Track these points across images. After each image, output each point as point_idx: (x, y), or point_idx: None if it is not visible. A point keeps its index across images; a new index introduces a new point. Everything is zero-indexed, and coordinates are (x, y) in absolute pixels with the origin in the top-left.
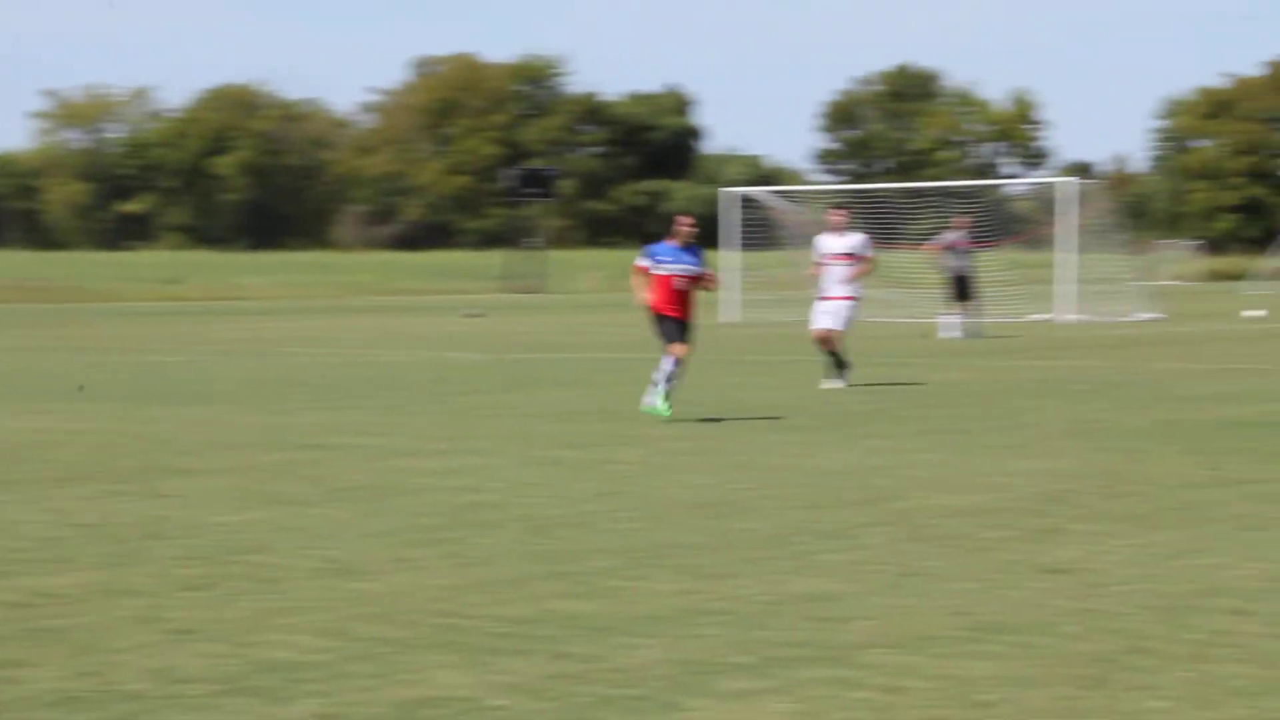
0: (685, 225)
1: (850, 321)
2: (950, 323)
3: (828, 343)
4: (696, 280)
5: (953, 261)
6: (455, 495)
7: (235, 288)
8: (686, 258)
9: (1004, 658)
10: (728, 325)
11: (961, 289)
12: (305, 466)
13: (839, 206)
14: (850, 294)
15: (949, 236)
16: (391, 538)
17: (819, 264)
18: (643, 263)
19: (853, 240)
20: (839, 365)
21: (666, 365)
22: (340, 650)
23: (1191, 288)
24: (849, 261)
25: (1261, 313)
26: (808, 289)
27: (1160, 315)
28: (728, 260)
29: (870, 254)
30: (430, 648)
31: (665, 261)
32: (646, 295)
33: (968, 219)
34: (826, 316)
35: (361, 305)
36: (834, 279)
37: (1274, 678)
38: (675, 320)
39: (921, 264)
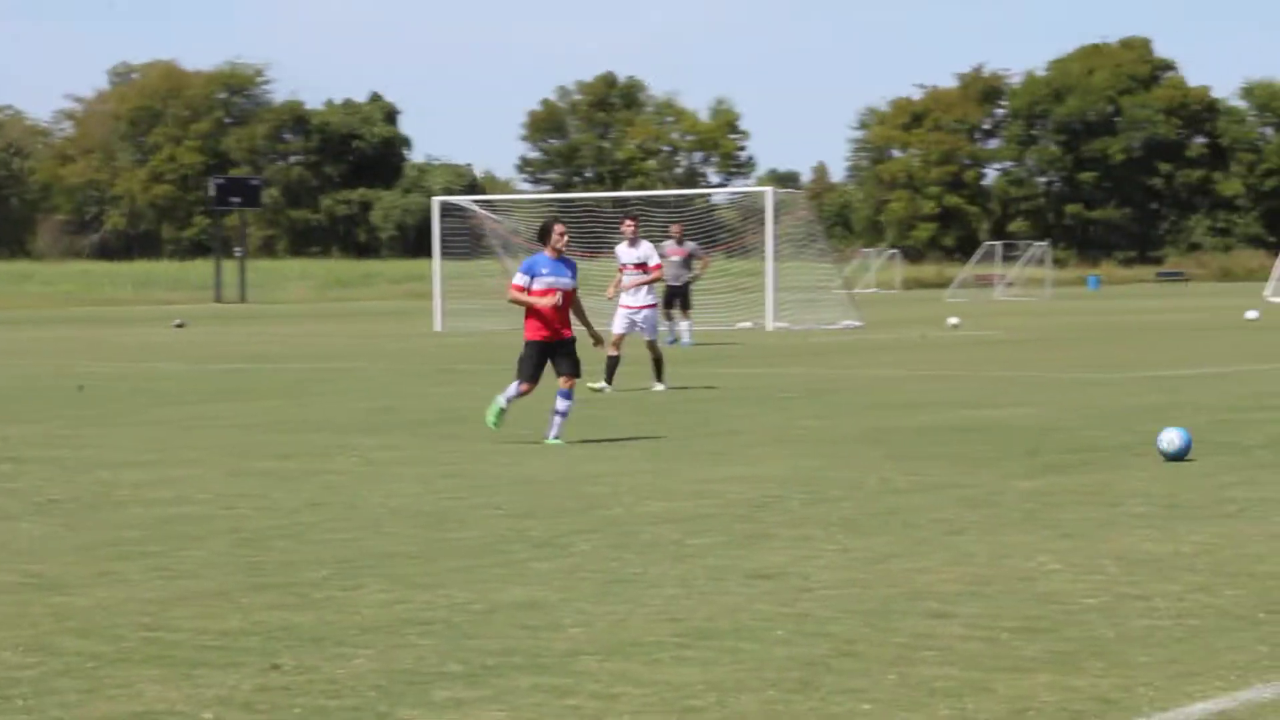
0: (559, 234)
1: (656, 326)
2: (672, 330)
3: (618, 348)
4: (571, 296)
5: (669, 270)
6: (162, 507)
7: None
8: (566, 271)
9: (714, 663)
10: (431, 335)
11: (675, 297)
12: (7, 480)
13: (629, 216)
14: (649, 301)
15: (665, 245)
16: (96, 551)
17: (621, 271)
18: (521, 280)
19: (643, 249)
20: (658, 368)
21: (562, 405)
22: (46, 666)
23: (891, 295)
24: (641, 270)
25: (955, 320)
26: (612, 297)
27: (859, 323)
28: (431, 269)
29: (657, 261)
30: (138, 662)
31: (546, 275)
32: (537, 306)
33: (680, 227)
34: (626, 322)
35: (63, 316)
36: (630, 287)
37: (975, 678)
38: (561, 343)
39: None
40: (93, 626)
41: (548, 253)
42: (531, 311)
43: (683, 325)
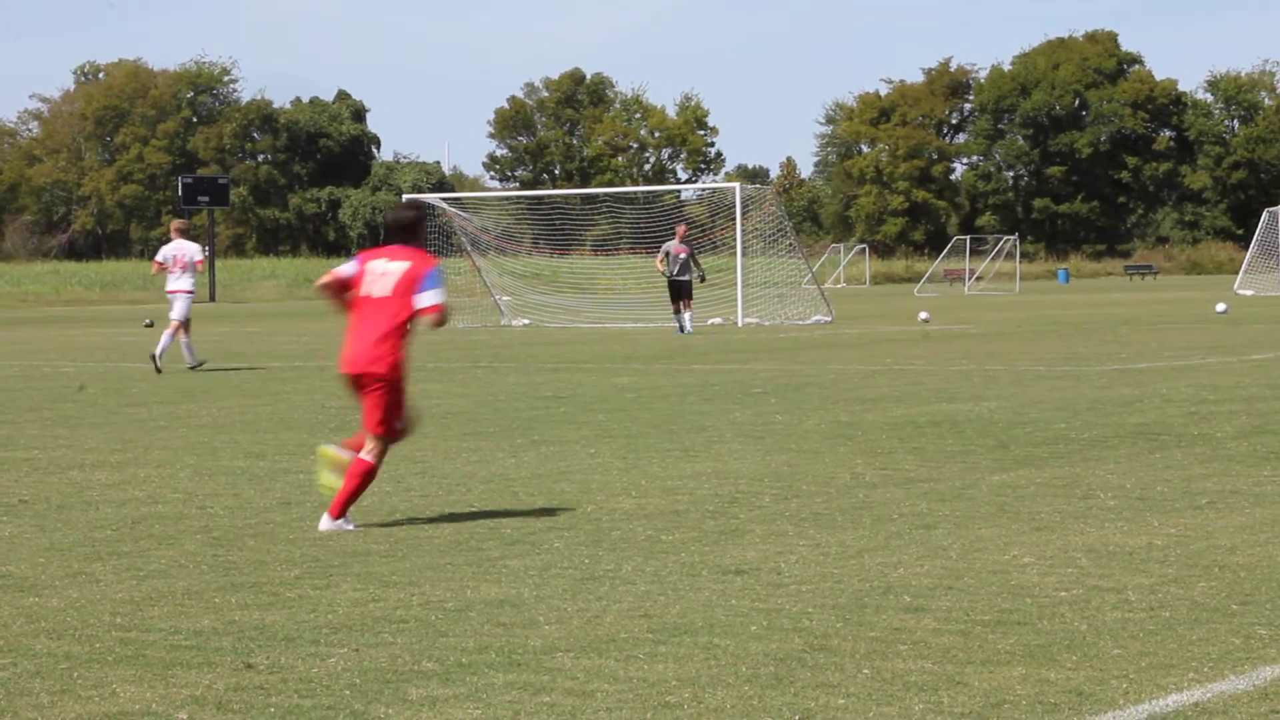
0: None
1: None
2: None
3: None
4: None
5: (673, 266)
6: (133, 508)
7: None
8: None
9: (688, 659)
10: None
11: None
12: None
13: None
14: None
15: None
16: (68, 552)
17: None
18: None
19: None
20: None
21: None
22: (19, 667)
23: (860, 290)
24: None
25: (925, 315)
26: None
27: (829, 318)
28: None
29: None
30: (111, 662)
31: None
32: None
33: (684, 227)
34: None
35: (31, 316)
36: None
37: (948, 672)
38: None
39: (602, 269)
40: (65, 627)
41: None
42: None
43: (686, 315)
